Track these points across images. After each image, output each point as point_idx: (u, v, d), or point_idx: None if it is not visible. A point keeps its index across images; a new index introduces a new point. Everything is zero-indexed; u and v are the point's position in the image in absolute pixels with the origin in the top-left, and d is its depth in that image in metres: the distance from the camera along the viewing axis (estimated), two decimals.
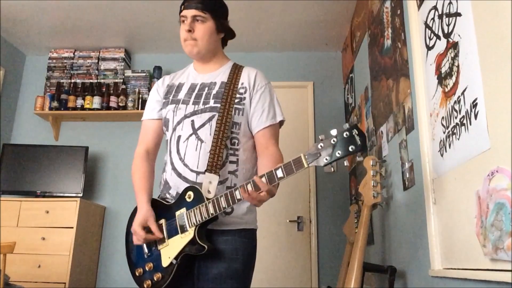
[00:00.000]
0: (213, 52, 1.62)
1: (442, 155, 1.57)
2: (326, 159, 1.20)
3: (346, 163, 1.24)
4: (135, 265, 1.50)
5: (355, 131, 1.18)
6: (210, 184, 1.42)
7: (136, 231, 1.43)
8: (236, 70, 1.61)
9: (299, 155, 1.24)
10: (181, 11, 1.57)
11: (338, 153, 1.19)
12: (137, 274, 1.47)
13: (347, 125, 1.20)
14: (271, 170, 1.27)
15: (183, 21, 1.56)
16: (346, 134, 1.19)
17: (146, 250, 1.48)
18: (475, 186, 1.27)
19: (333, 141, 1.20)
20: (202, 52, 1.59)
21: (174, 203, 1.46)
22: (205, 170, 1.44)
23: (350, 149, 1.18)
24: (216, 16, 1.58)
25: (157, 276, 1.42)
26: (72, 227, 3.05)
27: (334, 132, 1.21)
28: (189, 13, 1.54)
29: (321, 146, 1.22)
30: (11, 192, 3.31)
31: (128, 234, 1.54)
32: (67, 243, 3.01)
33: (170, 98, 1.61)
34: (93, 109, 3.59)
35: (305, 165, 1.23)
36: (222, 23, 1.60)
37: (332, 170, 1.25)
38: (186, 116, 1.54)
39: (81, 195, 3.30)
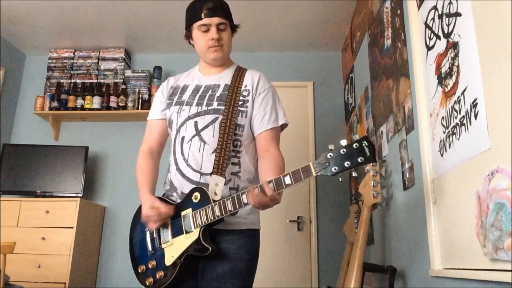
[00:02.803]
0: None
1: (442, 155, 1.57)
2: (335, 169, 1.22)
3: (354, 173, 1.24)
4: (138, 262, 1.52)
5: (365, 143, 1.20)
6: (216, 186, 1.44)
7: (148, 215, 1.43)
8: (239, 73, 1.64)
9: (308, 163, 1.25)
10: (198, 18, 1.57)
11: (347, 164, 1.21)
12: (139, 271, 1.49)
13: (357, 136, 1.23)
14: (279, 176, 1.28)
15: (206, 30, 1.57)
16: (356, 145, 1.21)
17: (149, 247, 1.49)
18: (475, 186, 1.27)
19: (343, 151, 1.22)
20: (226, 57, 1.65)
21: (180, 203, 1.48)
22: (211, 173, 1.46)
23: (359, 160, 1.20)
24: (231, 21, 1.64)
25: (160, 274, 1.43)
26: (72, 227, 3.04)
27: (344, 142, 1.23)
28: (213, 21, 1.56)
29: (330, 155, 1.23)
30: (11, 192, 3.31)
31: (132, 232, 1.57)
32: (67, 243, 3.01)
33: (175, 99, 1.63)
34: (93, 109, 3.59)
35: (314, 174, 1.24)
36: (234, 27, 1.66)
37: (340, 180, 1.26)
38: (189, 118, 1.56)
39: (81, 195, 3.30)
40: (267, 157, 1.51)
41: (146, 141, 1.68)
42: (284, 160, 1.52)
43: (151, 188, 1.55)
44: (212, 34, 1.56)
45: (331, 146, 1.24)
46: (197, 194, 1.44)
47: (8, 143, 3.58)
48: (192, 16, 1.59)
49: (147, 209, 1.44)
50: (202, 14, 1.55)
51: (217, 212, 1.37)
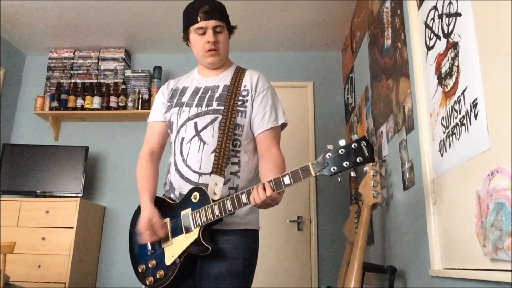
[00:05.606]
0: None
1: (442, 155, 1.57)
2: (334, 169, 1.23)
3: (353, 173, 1.27)
4: (138, 261, 1.52)
5: (363, 143, 1.21)
6: (215, 185, 1.44)
7: (141, 231, 1.45)
8: (238, 73, 1.64)
9: (307, 164, 1.26)
10: (194, 21, 1.57)
11: (346, 164, 1.22)
12: (139, 270, 1.50)
13: (356, 136, 1.24)
14: (278, 176, 1.29)
15: (203, 33, 1.57)
16: (355, 145, 1.22)
17: (149, 247, 1.50)
18: (475, 186, 1.27)
19: (341, 151, 1.23)
20: (223, 61, 1.65)
21: (179, 203, 1.48)
22: (211, 172, 1.47)
23: (358, 160, 1.21)
24: (228, 23, 1.63)
25: (160, 273, 1.44)
26: (72, 227, 3.04)
27: (342, 142, 1.24)
28: (210, 24, 1.56)
29: (329, 155, 1.25)
30: (11, 192, 3.31)
31: (132, 231, 1.57)
32: (67, 243, 3.01)
33: (174, 101, 1.64)
34: (93, 109, 3.59)
35: (313, 174, 1.26)
36: (231, 29, 1.66)
37: (339, 179, 1.27)
38: (189, 119, 1.56)
39: (81, 195, 3.30)
40: (268, 158, 1.51)
41: (147, 143, 1.67)
42: (285, 160, 1.53)
43: (152, 196, 1.53)
44: (208, 37, 1.56)
45: (329, 146, 1.26)
46: (196, 194, 1.44)
47: (8, 143, 3.58)
48: (188, 19, 1.60)
49: (145, 221, 1.44)
50: (199, 17, 1.55)
51: (217, 212, 1.37)
